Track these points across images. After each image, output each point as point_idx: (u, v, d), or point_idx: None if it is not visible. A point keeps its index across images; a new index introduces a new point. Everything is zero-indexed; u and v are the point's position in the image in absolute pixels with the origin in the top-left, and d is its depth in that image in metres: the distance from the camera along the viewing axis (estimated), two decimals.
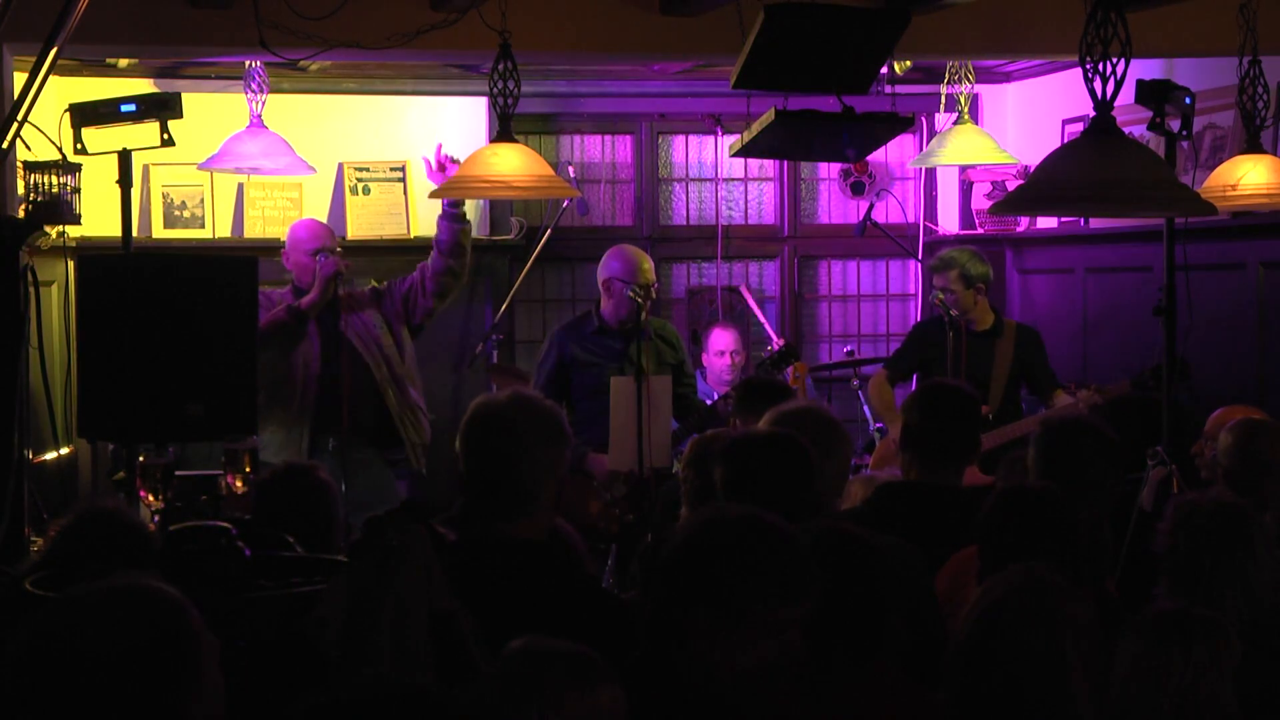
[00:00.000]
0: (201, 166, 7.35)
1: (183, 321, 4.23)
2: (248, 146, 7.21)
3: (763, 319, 8.11)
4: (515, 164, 5.92)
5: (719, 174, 8.69)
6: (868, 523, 4.04)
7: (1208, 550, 3.60)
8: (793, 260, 8.80)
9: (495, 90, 5.81)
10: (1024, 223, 8.43)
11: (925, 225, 8.74)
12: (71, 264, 5.95)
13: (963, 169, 8.52)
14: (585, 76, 8.22)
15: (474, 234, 8.00)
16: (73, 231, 6.57)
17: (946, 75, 8.05)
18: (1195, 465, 5.38)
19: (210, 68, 7.47)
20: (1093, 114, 4.17)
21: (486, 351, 7.65)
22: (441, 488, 6.89)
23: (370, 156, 7.90)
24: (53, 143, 5.21)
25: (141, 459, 4.22)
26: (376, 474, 6.42)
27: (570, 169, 8.19)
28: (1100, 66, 4.07)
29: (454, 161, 6.73)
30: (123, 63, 7.34)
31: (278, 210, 7.76)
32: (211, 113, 7.38)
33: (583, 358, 6.66)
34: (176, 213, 7.69)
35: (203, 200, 7.70)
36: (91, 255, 5.51)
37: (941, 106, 8.26)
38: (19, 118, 4.48)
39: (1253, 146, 6.04)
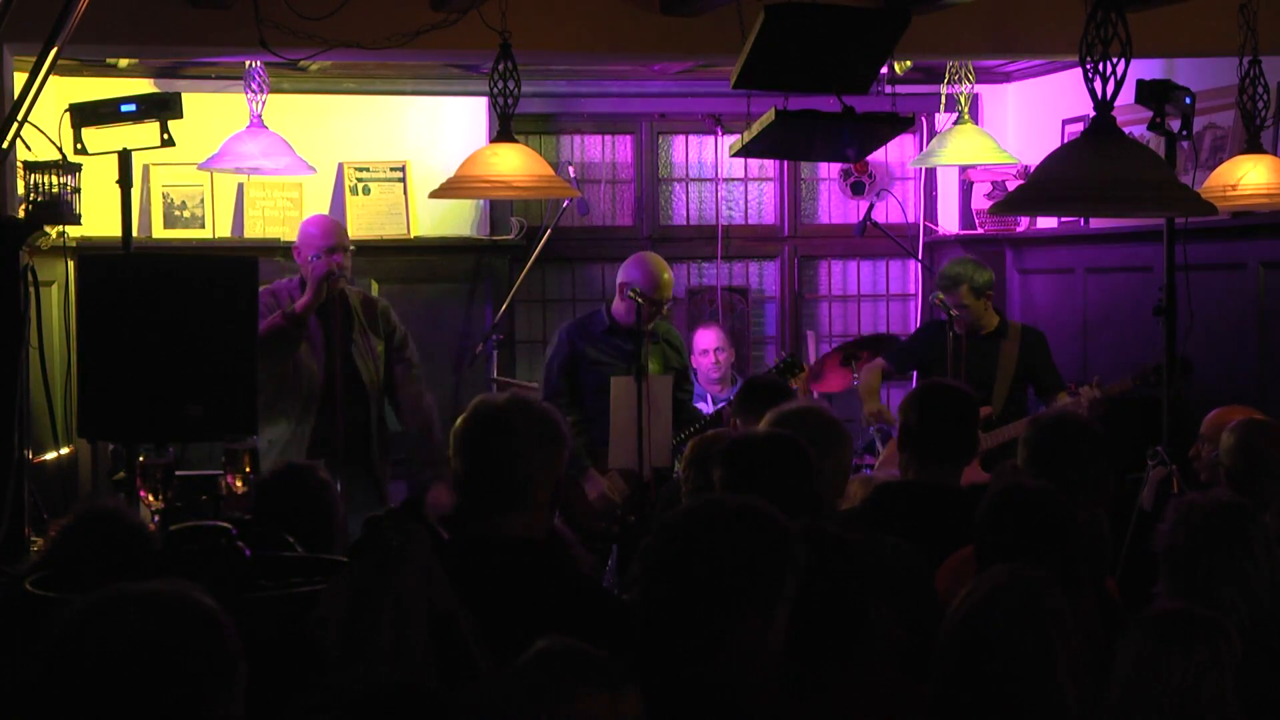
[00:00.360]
0: (201, 166, 7.35)
1: (183, 321, 4.23)
2: (248, 146, 7.21)
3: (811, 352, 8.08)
4: (515, 164, 5.92)
5: (719, 174, 8.69)
6: (867, 523, 4.06)
7: (1206, 548, 3.60)
8: (793, 260, 8.80)
9: (495, 90, 5.82)
10: (1024, 223, 8.43)
11: (925, 225, 8.75)
12: (71, 264, 5.95)
13: (963, 169, 8.52)
14: (585, 76, 8.22)
15: (474, 234, 8.04)
16: (73, 231, 6.57)
17: (946, 75, 8.06)
18: (1194, 468, 5.37)
19: (210, 68, 7.47)
20: (1093, 114, 4.17)
21: (486, 351, 7.65)
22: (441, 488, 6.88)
23: (370, 156, 7.90)
24: (53, 143, 5.21)
25: (141, 459, 4.22)
26: (359, 484, 6.39)
27: (570, 169, 8.19)
28: (1100, 66, 4.07)
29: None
30: (123, 63, 7.34)
31: (278, 210, 7.76)
32: (211, 113, 7.38)
33: (592, 355, 6.66)
34: (176, 213, 7.69)
35: (203, 200, 7.70)
36: (91, 255, 5.51)
37: (941, 106, 8.26)
38: (19, 118, 4.49)
39: (1253, 146, 6.04)
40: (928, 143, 8.34)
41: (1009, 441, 6.29)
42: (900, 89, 7.20)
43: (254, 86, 7.25)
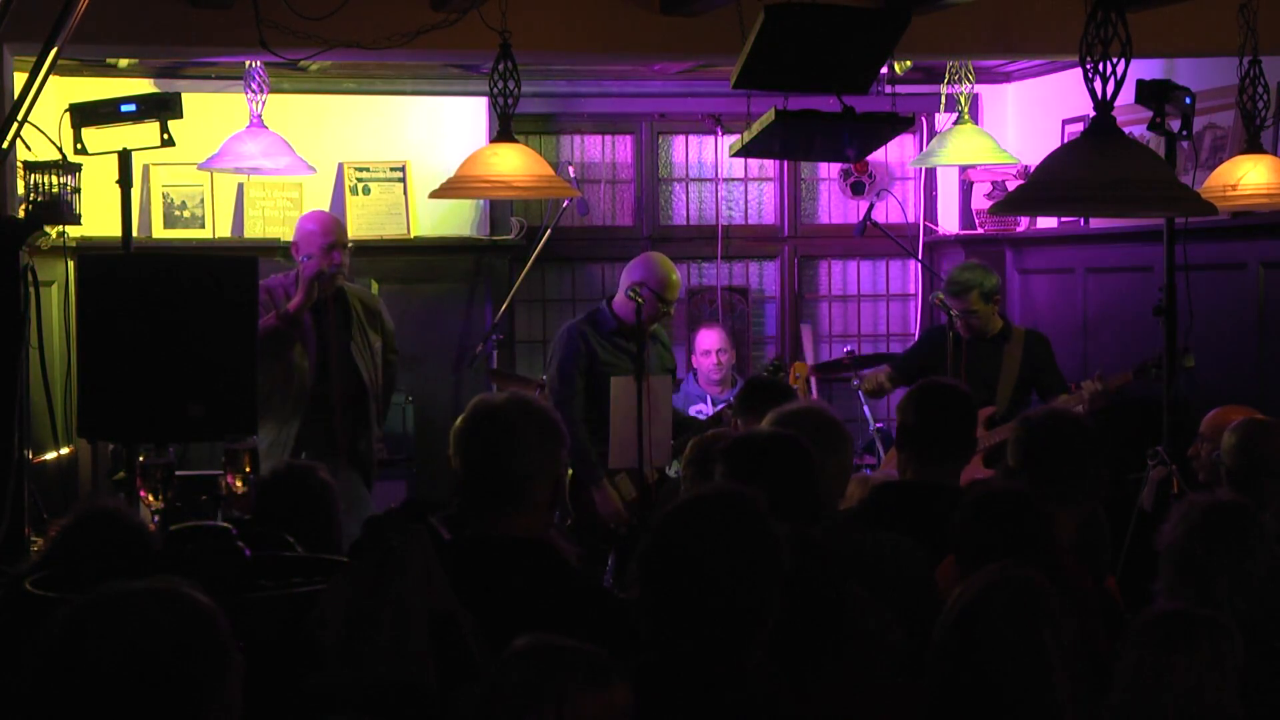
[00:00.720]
0: (201, 166, 7.35)
1: (183, 321, 4.23)
2: (248, 146, 7.21)
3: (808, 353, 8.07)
4: (515, 164, 5.92)
5: (719, 174, 8.69)
6: (865, 522, 4.06)
7: (1206, 547, 3.60)
8: (793, 260, 8.80)
9: (495, 90, 5.82)
10: (1024, 223, 8.43)
11: (925, 225, 8.75)
12: (71, 264, 5.94)
13: (963, 169, 8.52)
14: (585, 76, 8.22)
15: (474, 234, 8.04)
16: (73, 231, 6.57)
17: (946, 75, 8.06)
18: (1193, 468, 5.38)
19: (210, 68, 7.47)
20: (1093, 114, 4.17)
21: (486, 351, 7.65)
22: (440, 488, 6.90)
23: (370, 156, 7.91)
24: (53, 143, 5.21)
25: (141, 459, 4.22)
26: (345, 481, 6.37)
27: (570, 169, 8.19)
28: (1100, 66, 4.07)
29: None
30: (123, 63, 7.34)
31: (278, 210, 7.76)
32: (211, 113, 7.38)
33: (604, 356, 6.64)
34: (176, 213, 7.69)
35: (203, 200, 7.70)
36: (91, 255, 5.51)
37: (941, 106, 8.26)
38: (19, 118, 4.48)
39: (1253, 146, 6.04)
40: (928, 143, 8.34)
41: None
42: (900, 89, 7.20)
43: (254, 86, 7.25)
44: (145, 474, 4.06)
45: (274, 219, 7.74)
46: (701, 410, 7.59)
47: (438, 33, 5.75)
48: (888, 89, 6.85)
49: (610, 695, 2.46)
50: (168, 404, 4.21)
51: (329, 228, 6.38)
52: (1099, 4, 4.06)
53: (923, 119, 8.59)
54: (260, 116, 7.26)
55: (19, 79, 5.26)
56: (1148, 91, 5.29)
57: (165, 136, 5.47)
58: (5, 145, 4.51)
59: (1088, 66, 4.09)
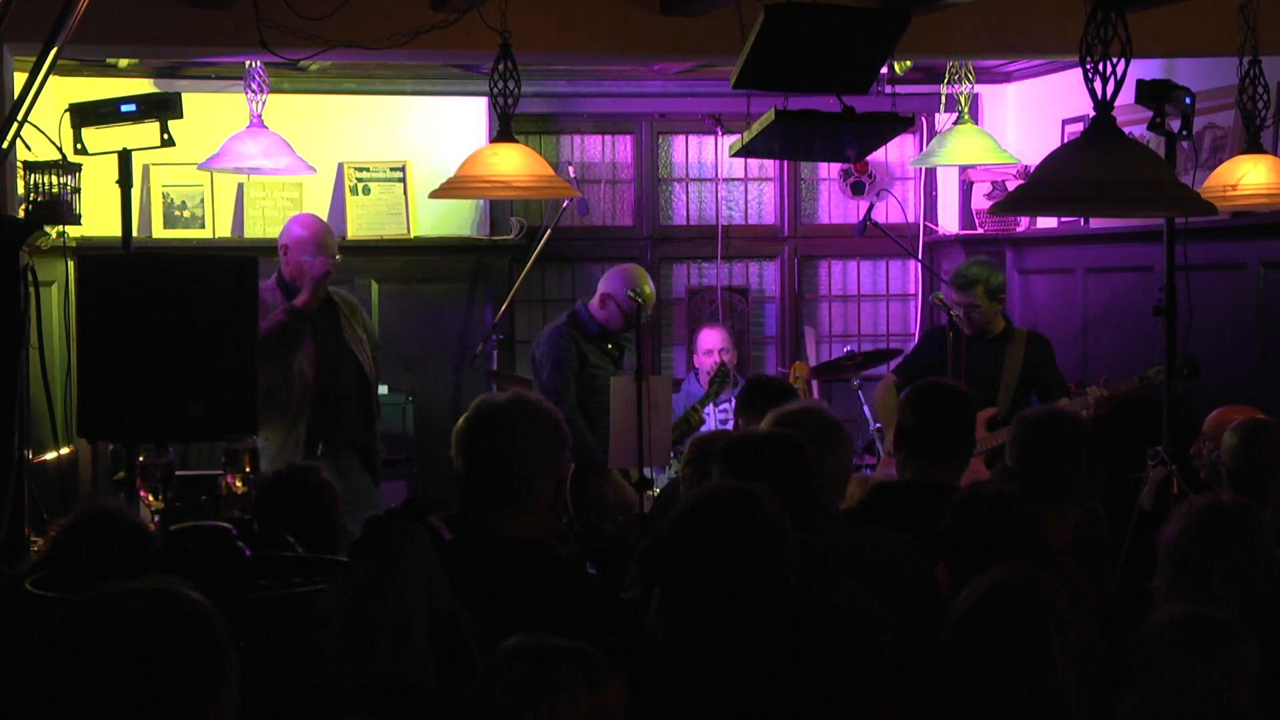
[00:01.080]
0: (201, 166, 7.35)
1: (183, 321, 4.23)
2: (248, 146, 7.21)
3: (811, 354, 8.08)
4: (515, 164, 5.92)
5: (719, 174, 8.69)
6: (864, 522, 4.06)
7: (1206, 547, 3.60)
8: (793, 260, 8.80)
9: (495, 90, 5.82)
10: (1024, 223, 8.43)
11: (925, 225, 8.75)
12: (71, 264, 5.95)
13: (963, 169, 8.52)
14: (585, 76, 8.22)
15: (474, 234, 8.04)
16: (73, 231, 6.57)
17: (946, 75, 8.06)
18: (1194, 466, 5.38)
19: (210, 68, 7.47)
20: (1093, 114, 4.17)
21: (486, 351, 7.66)
22: (440, 488, 6.90)
23: (370, 156, 7.91)
24: (53, 143, 5.20)
25: (141, 459, 4.22)
26: (357, 479, 6.40)
27: (570, 169, 8.19)
28: (1100, 66, 4.07)
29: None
30: (123, 63, 7.34)
31: (278, 210, 7.76)
32: (211, 113, 7.38)
33: (592, 358, 6.74)
34: (176, 213, 7.69)
35: (203, 200, 7.70)
36: (91, 255, 5.52)
37: (941, 106, 8.26)
38: (19, 118, 4.48)
39: (1253, 146, 6.04)
40: (928, 143, 8.34)
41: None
42: (900, 89, 7.20)
43: (254, 86, 7.25)
44: (145, 474, 4.06)
45: (274, 219, 7.73)
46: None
47: (438, 33, 5.75)
48: (888, 89, 6.86)
49: (603, 694, 2.46)
50: (168, 404, 4.21)
51: (320, 241, 6.35)
52: (1099, 4, 4.06)
53: (923, 119, 8.59)
54: (260, 116, 7.26)
55: (19, 79, 5.26)
56: (1148, 91, 5.29)
57: (165, 136, 5.47)
58: (5, 145, 4.51)
59: (1088, 66, 4.09)
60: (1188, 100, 5.41)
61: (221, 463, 4.18)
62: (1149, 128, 5.32)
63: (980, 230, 8.58)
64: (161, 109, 5.46)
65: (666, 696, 2.73)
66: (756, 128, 5.56)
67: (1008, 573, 2.95)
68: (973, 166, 8.41)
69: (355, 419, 6.41)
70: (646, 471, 5.87)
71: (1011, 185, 8.25)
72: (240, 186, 7.76)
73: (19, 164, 5.33)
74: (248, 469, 4.17)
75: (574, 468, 6.37)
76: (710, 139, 8.61)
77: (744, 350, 8.52)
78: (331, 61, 6.71)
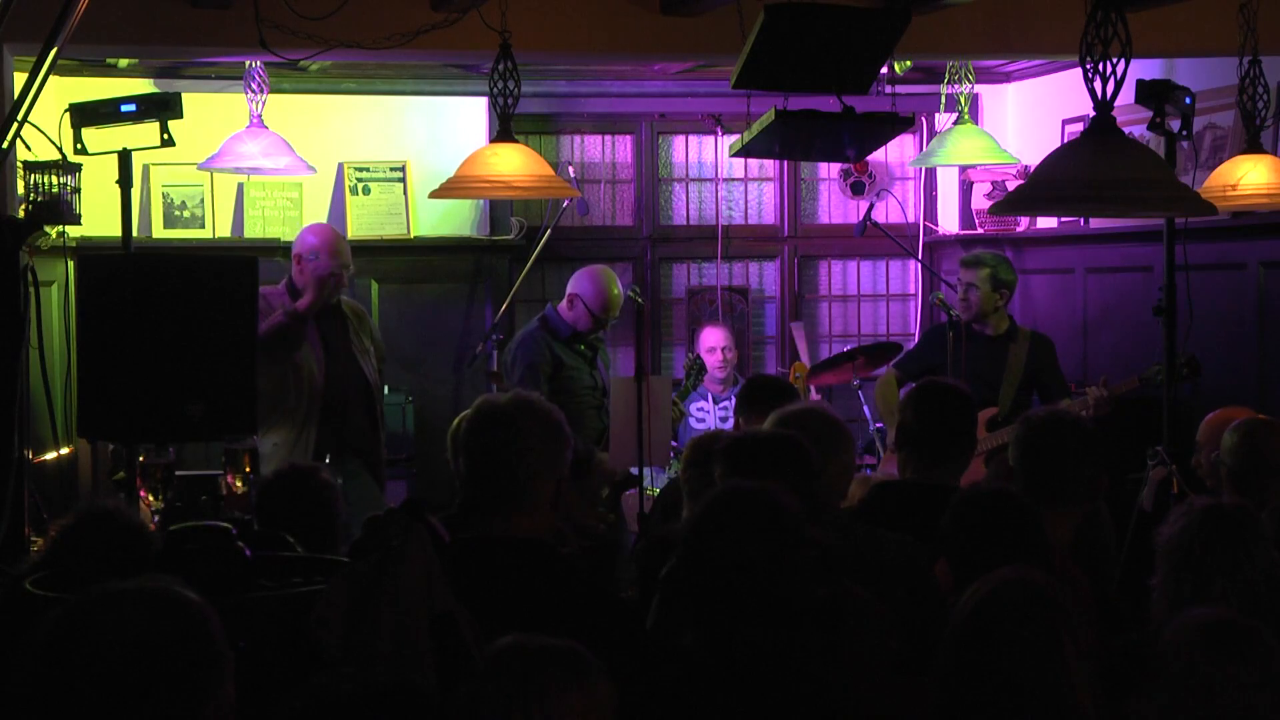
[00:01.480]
0: (201, 166, 7.35)
1: (183, 321, 4.23)
2: (248, 146, 7.21)
3: (804, 356, 8.07)
4: (515, 164, 5.92)
5: (719, 174, 8.69)
6: (864, 522, 4.06)
7: (1202, 546, 3.60)
8: (793, 260, 8.80)
9: (495, 90, 5.82)
10: (1024, 223, 8.43)
11: (925, 225, 8.75)
12: (71, 264, 5.94)
13: (963, 169, 8.52)
14: (585, 76, 8.22)
15: (474, 234, 8.04)
16: (73, 231, 6.56)
17: (946, 75, 8.06)
18: (1197, 476, 5.37)
19: (210, 68, 7.47)
20: (1093, 114, 4.17)
21: (487, 351, 7.66)
22: (441, 488, 6.90)
23: (370, 156, 7.90)
24: (53, 143, 5.20)
25: (141, 459, 4.22)
26: (364, 484, 6.40)
27: (570, 169, 8.19)
28: (1100, 66, 4.07)
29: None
30: (123, 63, 7.34)
31: (278, 210, 7.76)
32: (211, 113, 7.38)
33: (567, 360, 6.83)
34: (176, 213, 7.69)
35: (203, 200, 7.70)
36: (91, 255, 5.51)
37: (941, 106, 8.26)
38: (19, 118, 4.47)
39: (1253, 146, 6.04)
40: (928, 143, 8.34)
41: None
42: (900, 89, 7.21)
43: (254, 86, 7.25)
44: (145, 474, 4.06)
45: (274, 219, 7.74)
46: (703, 408, 7.62)
47: (438, 33, 5.75)
48: (888, 89, 6.86)
49: (593, 693, 2.46)
50: (168, 404, 4.21)
51: (334, 251, 6.36)
52: (1099, 4, 4.06)
53: (923, 119, 8.59)
54: (260, 116, 7.26)
55: (19, 79, 5.26)
56: (1148, 91, 5.29)
57: (165, 136, 5.46)
58: (5, 145, 4.50)
59: (1088, 66, 4.09)
60: (1188, 100, 5.42)
61: (221, 463, 4.18)
62: (1149, 128, 5.32)
63: (980, 230, 8.58)
64: (161, 109, 5.46)
65: (700, 699, 2.72)
66: (756, 128, 5.56)
67: (1013, 574, 2.95)
68: (973, 166, 8.41)
69: (361, 425, 6.42)
70: (641, 471, 5.88)
71: (1011, 185, 8.25)
72: (240, 186, 7.76)
73: (19, 164, 5.33)
74: (248, 469, 4.17)
75: None
76: (710, 139, 8.61)
77: (744, 350, 8.52)
78: (331, 61, 6.71)
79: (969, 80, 8.02)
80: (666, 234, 8.63)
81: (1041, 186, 4.33)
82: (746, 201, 8.81)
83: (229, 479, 4.20)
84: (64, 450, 5.94)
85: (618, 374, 7.42)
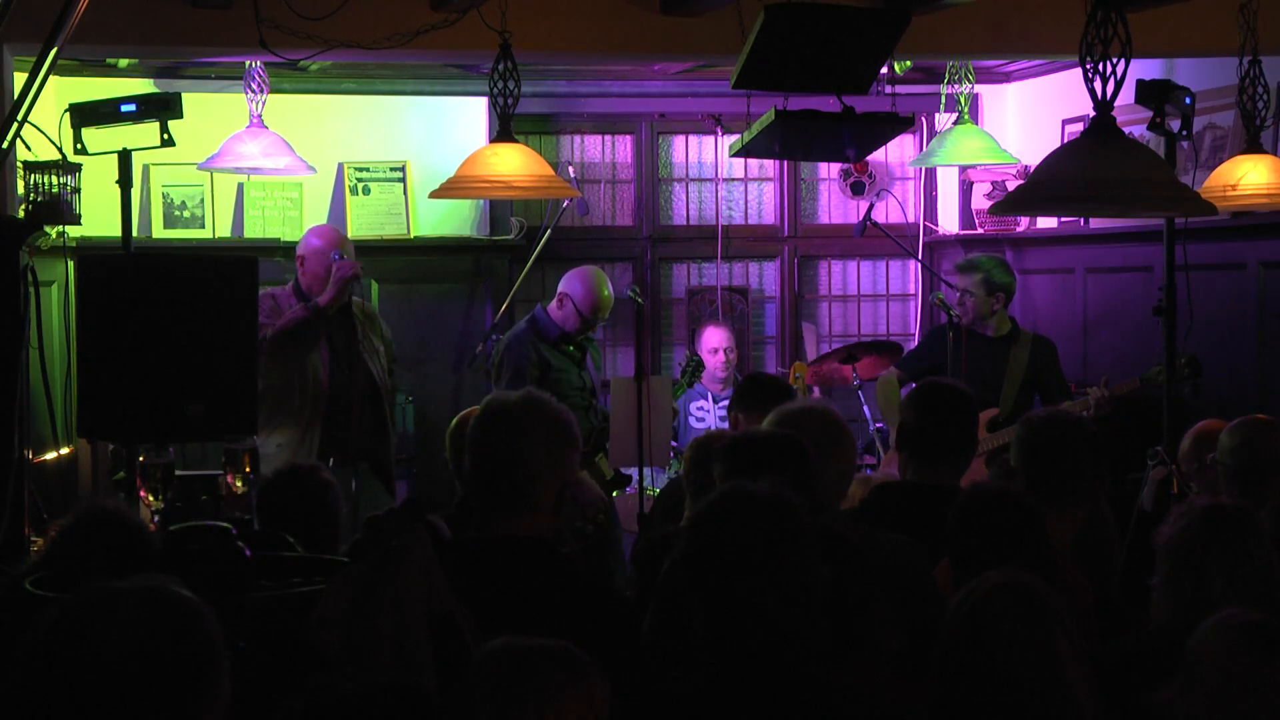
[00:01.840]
0: (201, 166, 7.35)
1: (183, 321, 4.23)
2: (248, 146, 7.21)
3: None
4: (515, 164, 5.92)
5: (719, 174, 8.69)
6: (865, 523, 4.05)
7: (1202, 546, 3.60)
8: (793, 260, 8.80)
9: (495, 90, 5.82)
10: (1024, 223, 8.43)
11: (925, 225, 8.75)
12: (71, 264, 5.94)
13: (963, 169, 8.52)
14: (585, 76, 8.22)
15: (474, 234, 8.04)
16: (73, 231, 6.56)
17: (946, 75, 8.06)
18: (1189, 486, 5.36)
19: (210, 68, 7.47)
20: (1093, 114, 4.17)
21: (486, 351, 7.66)
22: (441, 488, 6.90)
23: (370, 156, 7.91)
24: (53, 143, 5.21)
25: (141, 459, 4.22)
26: (372, 489, 6.40)
27: (570, 169, 8.19)
28: (1100, 66, 4.07)
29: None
30: (123, 63, 7.34)
31: (278, 210, 7.76)
32: (211, 113, 7.38)
33: (555, 362, 6.83)
34: (176, 213, 7.69)
35: (203, 200, 7.70)
36: (91, 255, 5.51)
37: (941, 106, 8.26)
38: (19, 118, 4.48)
39: (1253, 146, 6.04)
40: (928, 143, 8.34)
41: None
42: (900, 89, 7.20)
43: (254, 86, 7.25)
44: (145, 474, 4.06)
45: (274, 219, 7.74)
46: (703, 407, 7.62)
47: (438, 33, 5.76)
48: (888, 89, 6.85)
49: (588, 694, 2.46)
50: (168, 404, 4.21)
51: (339, 245, 6.36)
52: (1099, 4, 4.06)
53: (923, 119, 8.60)
54: (260, 116, 7.26)
55: (19, 79, 5.26)
56: (1148, 91, 5.29)
57: (165, 136, 5.47)
58: (5, 145, 4.51)
59: (1088, 66, 4.09)
60: (1188, 100, 5.42)
61: (221, 463, 4.18)
62: (1149, 128, 5.32)
63: (980, 230, 8.58)
64: (161, 109, 5.46)
65: (702, 700, 2.72)
66: (756, 128, 5.56)
67: (1006, 576, 2.95)
68: (973, 166, 8.41)
69: (368, 428, 6.40)
70: (630, 470, 5.88)
71: (1011, 185, 8.26)
72: (240, 186, 7.76)
73: (19, 164, 5.33)
74: (248, 469, 4.17)
75: None
76: (710, 139, 8.61)
77: (744, 350, 8.52)
78: (331, 61, 6.71)
79: (969, 80, 8.02)
80: (666, 234, 8.63)
81: (1041, 186, 4.33)
82: (746, 201, 8.81)
83: (229, 479, 4.20)
84: (64, 450, 5.93)
85: (618, 374, 7.42)
